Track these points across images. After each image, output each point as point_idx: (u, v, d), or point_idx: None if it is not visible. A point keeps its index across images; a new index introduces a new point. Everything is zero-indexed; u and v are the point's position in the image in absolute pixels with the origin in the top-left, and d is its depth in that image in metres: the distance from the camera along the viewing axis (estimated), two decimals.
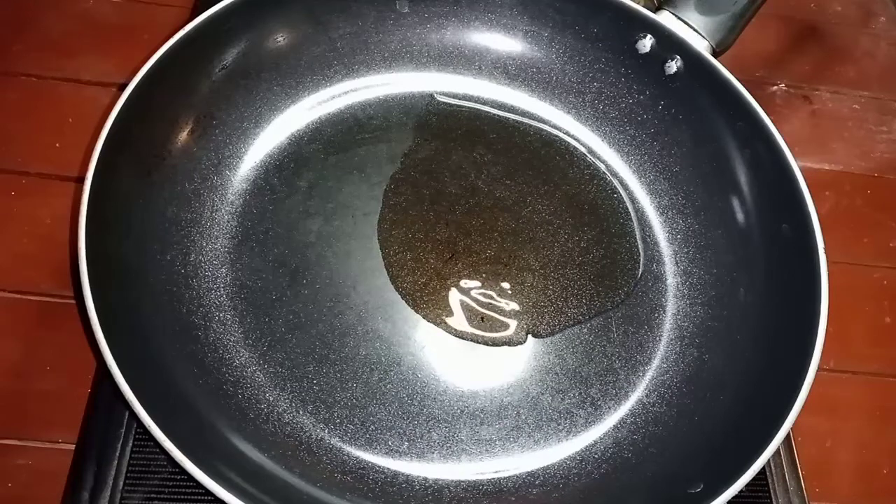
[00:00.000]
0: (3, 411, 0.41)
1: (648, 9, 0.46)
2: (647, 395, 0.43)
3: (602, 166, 0.50)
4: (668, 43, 0.46)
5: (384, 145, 0.49)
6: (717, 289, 0.45)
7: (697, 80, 0.46)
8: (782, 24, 0.63)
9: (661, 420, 0.42)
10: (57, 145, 0.48)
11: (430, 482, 0.39)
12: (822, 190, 0.55)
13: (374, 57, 0.50)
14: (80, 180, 0.39)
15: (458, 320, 0.44)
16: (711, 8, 0.45)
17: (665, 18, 0.46)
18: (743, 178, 0.45)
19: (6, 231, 0.45)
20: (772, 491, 0.42)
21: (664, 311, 0.46)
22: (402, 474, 0.39)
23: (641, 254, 0.47)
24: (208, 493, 0.32)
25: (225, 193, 0.45)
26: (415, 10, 0.49)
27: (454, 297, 0.44)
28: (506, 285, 0.45)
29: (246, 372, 0.40)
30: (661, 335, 0.45)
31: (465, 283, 0.45)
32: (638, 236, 0.48)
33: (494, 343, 0.43)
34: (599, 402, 0.42)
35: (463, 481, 0.40)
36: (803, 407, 0.36)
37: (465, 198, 0.48)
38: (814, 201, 0.41)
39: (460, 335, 0.43)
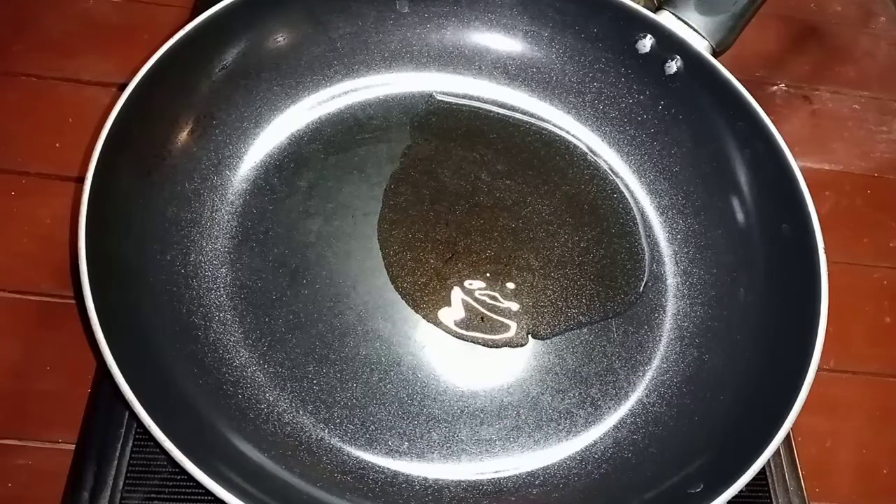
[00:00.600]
0: (3, 411, 0.41)
1: (648, 9, 0.46)
2: (647, 395, 0.43)
3: (604, 165, 0.50)
4: (668, 43, 0.46)
5: (384, 145, 0.49)
6: (717, 289, 0.45)
7: (697, 80, 0.46)
8: (782, 24, 0.63)
9: (661, 420, 0.42)
10: (57, 145, 0.48)
11: (430, 482, 0.39)
12: (822, 190, 0.55)
13: (374, 57, 0.50)
14: (80, 180, 0.39)
15: (459, 320, 0.44)
16: (711, 8, 0.45)
17: (665, 18, 0.46)
18: (743, 178, 0.45)
19: (6, 231, 0.45)
20: (772, 491, 0.42)
21: (664, 311, 0.46)
22: (402, 474, 0.39)
23: (646, 254, 0.47)
24: (208, 493, 0.32)
25: (225, 193, 0.45)
26: (415, 10, 0.49)
27: (454, 297, 0.44)
28: (506, 286, 0.45)
29: (246, 372, 0.40)
30: (661, 335, 0.45)
31: (465, 283, 0.45)
32: (642, 235, 0.48)
33: (495, 344, 0.43)
34: (599, 402, 0.42)
35: (463, 481, 0.40)
36: (803, 407, 0.36)
37: (465, 198, 0.48)
38: (814, 201, 0.41)
39: (460, 336, 0.43)
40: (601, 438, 0.42)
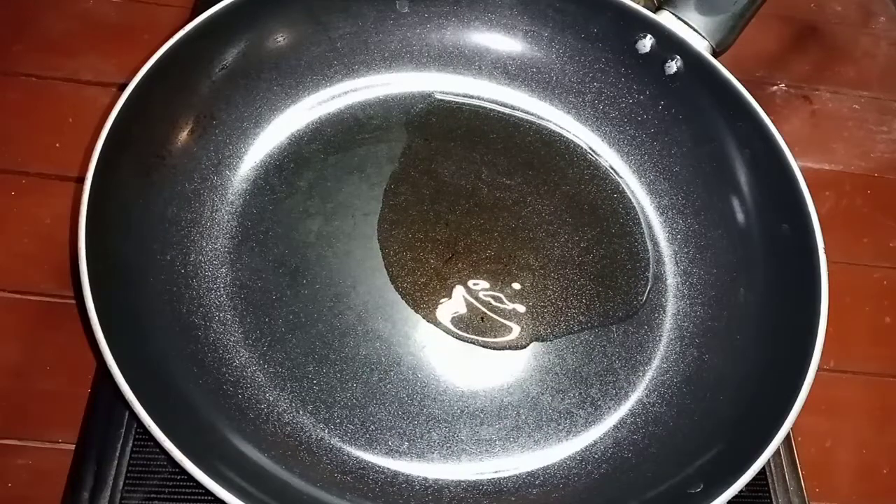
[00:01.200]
0: (3, 411, 0.41)
1: (648, 9, 0.46)
2: (647, 395, 0.43)
3: (605, 164, 0.50)
4: (668, 43, 0.46)
5: (384, 145, 0.49)
6: (717, 289, 0.45)
7: (697, 80, 0.46)
8: (782, 24, 0.63)
9: (661, 420, 0.42)
10: (57, 145, 0.48)
11: (430, 482, 0.39)
12: (822, 190, 0.55)
13: (374, 57, 0.50)
14: (80, 180, 0.39)
15: (459, 321, 0.43)
16: (711, 8, 0.45)
17: (665, 18, 0.46)
18: (743, 178, 0.45)
19: (6, 231, 0.45)
20: (772, 491, 0.42)
21: (664, 311, 0.46)
22: (402, 474, 0.39)
23: (651, 254, 0.47)
24: (208, 493, 0.32)
25: (225, 193, 0.45)
26: (415, 10, 0.49)
27: (454, 297, 0.44)
28: (506, 286, 0.45)
29: (246, 372, 0.40)
30: (661, 335, 0.45)
31: (465, 283, 0.45)
32: (646, 235, 0.48)
33: (495, 347, 0.43)
34: (599, 402, 0.42)
35: (463, 481, 0.40)
36: (803, 407, 0.36)
37: (465, 198, 0.48)
38: (814, 201, 0.41)
39: (460, 337, 0.43)
40: (601, 438, 0.42)
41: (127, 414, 0.40)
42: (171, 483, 0.38)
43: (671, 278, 0.47)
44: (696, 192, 0.47)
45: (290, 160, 0.47)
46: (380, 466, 0.39)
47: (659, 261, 0.47)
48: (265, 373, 0.41)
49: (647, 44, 0.47)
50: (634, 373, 0.43)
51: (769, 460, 0.39)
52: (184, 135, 0.44)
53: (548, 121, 0.51)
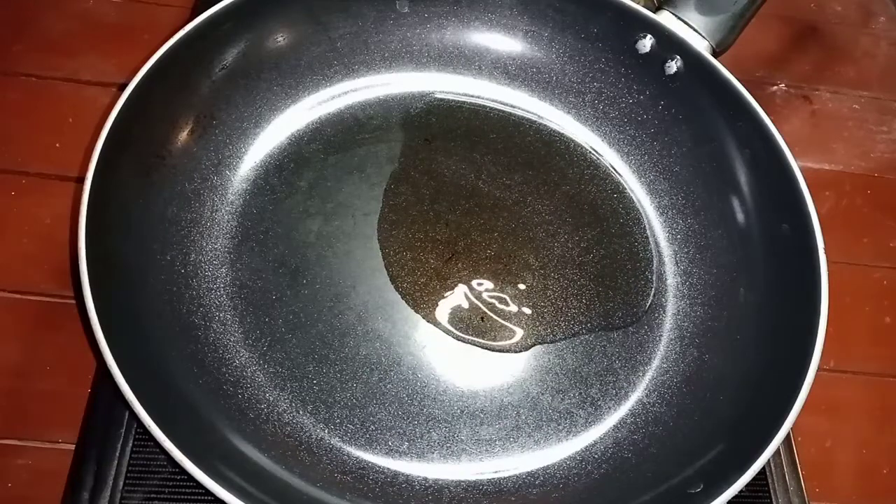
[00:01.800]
0: (3, 411, 0.41)
1: (648, 9, 0.46)
2: (647, 395, 0.43)
3: (605, 164, 0.50)
4: (668, 43, 0.46)
5: (384, 145, 0.49)
6: (717, 289, 0.45)
7: (697, 80, 0.46)
8: (782, 24, 0.63)
9: (661, 420, 0.42)
10: (57, 145, 0.48)
11: (430, 482, 0.39)
12: (822, 190, 0.55)
13: (374, 57, 0.50)
14: (80, 180, 0.39)
15: (459, 321, 0.43)
16: (711, 8, 0.45)
17: (665, 18, 0.46)
18: (743, 178, 0.45)
19: (6, 231, 0.45)
20: (772, 491, 0.42)
21: (664, 311, 0.46)
22: (402, 474, 0.39)
23: (652, 255, 0.47)
24: (208, 493, 0.32)
25: (225, 193, 0.45)
26: (415, 10, 0.49)
27: (454, 297, 0.44)
28: (511, 286, 0.45)
29: (246, 372, 0.40)
30: (661, 335, 0.45)
31: (468, 283, 0.45)
32: (648, 235, 0.48)
33: (495, 349, 0.43)
34: (599, 402, 0.42)
35: (463, 481, 0.40)
36: (803, 407, 0.36)
37: (465, 198, 0.48)
38: (814, 201, 0.41)
39: (460, 337, 0.43)
40: (601, 438, 0.42)
41: (127, 414, 0.40)
42: (171, 483, 0.38)
43: (671, 278, 0.47)
44: (696, 192, 0.47)
45: (290, 160, 0.47)
46: (380, 466, 0.39)
47: (659, 261, 0.47)
48: (265, 373, 0.41)
49: (647, 44, 0.47)
50: (634, 373, 0.43)
51: (769, 460, 0.39)
52: (184, 135, 0.44)
53: (548, 121, 0.51)
